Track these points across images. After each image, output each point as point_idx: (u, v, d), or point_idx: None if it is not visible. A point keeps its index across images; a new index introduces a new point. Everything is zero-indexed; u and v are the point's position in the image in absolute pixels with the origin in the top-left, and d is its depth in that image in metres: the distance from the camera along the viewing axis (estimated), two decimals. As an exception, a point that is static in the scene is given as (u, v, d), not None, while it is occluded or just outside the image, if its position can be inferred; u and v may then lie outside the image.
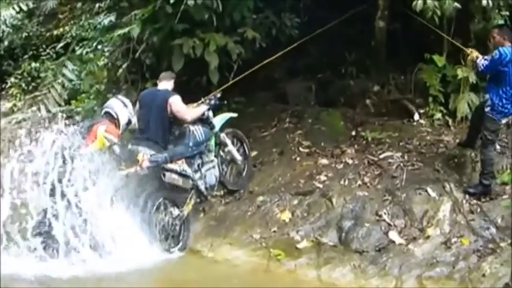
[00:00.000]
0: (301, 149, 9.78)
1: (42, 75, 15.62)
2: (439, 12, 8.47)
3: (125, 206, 7.85)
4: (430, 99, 10.04)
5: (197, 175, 8.47)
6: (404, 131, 9.78)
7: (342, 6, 10.22)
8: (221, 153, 9.06)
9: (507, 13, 9.40)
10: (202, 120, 8.63)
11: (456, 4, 8.53)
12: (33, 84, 15.95)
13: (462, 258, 7.14)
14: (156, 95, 8.61)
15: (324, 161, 9.32)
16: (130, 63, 10.58)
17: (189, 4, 8.70)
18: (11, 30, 16.96)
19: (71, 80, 12.03)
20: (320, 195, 8.54)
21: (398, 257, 7.34)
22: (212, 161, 8.80)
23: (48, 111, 11.59)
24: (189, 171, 8.30)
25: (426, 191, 8.15)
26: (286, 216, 8.34)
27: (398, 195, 8.20)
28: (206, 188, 8.65)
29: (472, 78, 9.41)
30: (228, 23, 9.59)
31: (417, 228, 7.71)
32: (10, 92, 16.30)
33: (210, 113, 8.79)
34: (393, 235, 7.66)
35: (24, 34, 17.13)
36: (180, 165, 8.19)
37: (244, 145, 9.52)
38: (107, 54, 12.39)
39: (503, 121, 8.01)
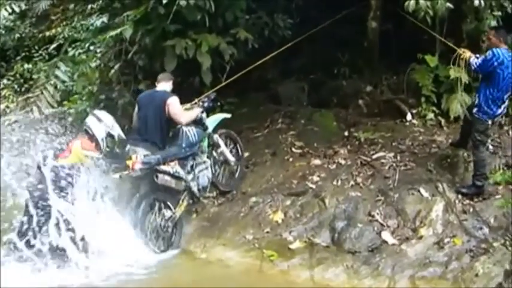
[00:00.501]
0: (293, 149, 9.77)
1: (34, 76, 15.63)
2: (431, 13, 8.48)
3: (117, 208, 7.85)
4: (423, 99, 10.05)
5: (190, 176, 8.44)
6: (397, 132, 9.79)
7: (335, 6, 10.23)
8: (214, 154, 9.05)
9: (499, 13, 9.40)
10: (196, 121, 8.61)
11: (448, 4, 8.55)
12: (26, 85, 15.96)
13: (455, 258, 7.14)
14: (154, 96, 8.61)
15: (317, 162, 9.30)
16: (123, 64, 10.57)
17: (182, 5, 8.70)
18: (3, 32, 16.95)
19: (63, 82, 12.01)
20: (313, 195, 8.53)
21: (391, 257, 7.33)
22: (205, 162, 8.78)
23: (41, 112, 11.57)
24: (181, 172, 8.27)
25: (419, 191, 8.15)
26: (279, 217, 8.33)
27: (391, 195, 8.20)
28: (199, 190, 8.62)
29: (465, 78, 9.39)
30: (220, 24, 9.60)
31: (410, 229, 7.71)
32: (2, 93, 16.26)
33: (204, 114, 8.78)
34: (386, 235, 7.65)
35: (17, 35, 17.12)
36: (173, 167, 8.16)
37: (238, 146, 9.51)
38: (99, 55, 12.39)
39: (489, 122, 8.00)
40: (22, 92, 15.81)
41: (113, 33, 9.70)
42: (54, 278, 6.97)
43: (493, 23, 9.30)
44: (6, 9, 13.30)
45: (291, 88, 11.38)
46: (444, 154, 8.91)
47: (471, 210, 7.82)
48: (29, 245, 7.20)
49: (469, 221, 7.66)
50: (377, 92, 10.82)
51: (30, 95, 12.78)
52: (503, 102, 7.96)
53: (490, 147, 8.73)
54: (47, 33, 16.21)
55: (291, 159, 9.54)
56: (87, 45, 12.97)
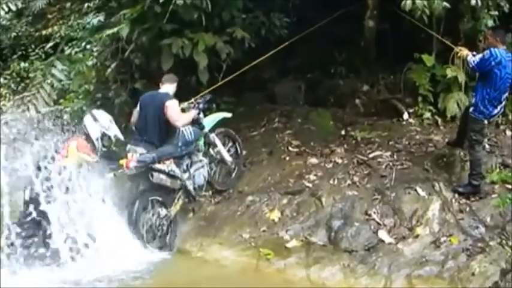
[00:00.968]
0: (290, 148, 9.77)
1: (31, 75, 15.59)
2: (428, 12, 8.46)
3: (112, 207, 7.85)
4: (420, 98, 10.06)
5: (185, 175, 8.45)
6: (393, 131, 9.81)
7: (331, 6, 10.22)
8: (211, 152, 9.04)
9: (496, 12, 9.40)
10: (192, 121, 8.61)
11: (445, 3, 8.53)
12: (22, 84, 15.91)
13: (451, 257, 7.15)
14: (155, 97, 8.61)
15: (314, 161, 9.31)
16: (120, 63, 10.56)
17: (178, 4, 8.66)
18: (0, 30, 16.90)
19: (60, 80, 11.95)
20: (309, 194, 8.54)
21: (387, 256, 7.34)
22: (201, 160, 8.79)
23: (38, 111, 11.54)
24: (177, 171, 8.29)
25: (415, 190, 8.17)
26: (275, 215, 8.34)
27: (387, 194, 8.21)
28: (194, 188, 8.63)
29: (462, 77, 9.44)
30: (217, 23, 9.58)
31: (406, 228, 7.72)
32: (-1, 92, 16.25)
33: (201, 114, 8.79)
34: (382, 234, 7.66)
35: (13, 34, 17.08)
36: (168, 166, 8.18)
37: (237, 145, 9.52)
38: (96, 54, 12.37)
39: (485, 121, 8.00)
40: (19, 90, 15.74)
41: (109, 32, 9.68)
42: (50, 278, 6.97)
43: (490, 23, 9.32)
44: (2, 8, 13.25)
45: (287, 87, 11.38)
46: (441, 153, 8.93)
47: (467, 209, 7.83)
48: (25, 245, 7.21)
49: (465, 220, 7.67)
50: (374, 91, 10.82)
51: (26, 93, 12.72)
52: (500, 102, 7.97)
53: (487, 146, 8.73)
54: (44, 32, 16.18)
55: (287, 158, 9.54)
56: (83, 44, 12.95)
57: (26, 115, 12.26)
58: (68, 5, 13.67)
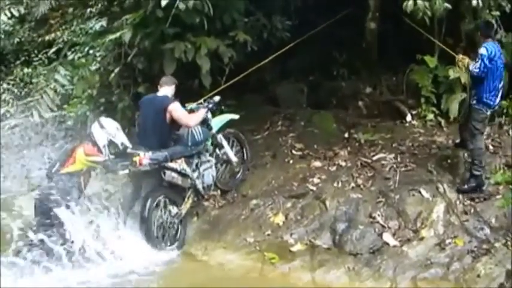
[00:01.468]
0: (293, 151, 9.77)
1: (34, 80, 15.59)
2: (429, 13, 8.46)
3: (124, 205, 8.08)
4: (422, 100, 10.06)
5: (195, 174, 8.52)
6: (396, 133, 9.80)
7: (333, 8, 10.24)
8: (218, 152, 9.07)
9: (497, 13, 9.39)
10: (201, 121, 8.63)
11: (446, 4, 8.53)
12: (26, 89, 15.91)
13: (456, 259, 7.15)
14: (154, 101, 8.59)
15: (317, 164, 9.31)
16: (122, 67, 10.54)
17: (180, 8, 8.67)
18: (2, 36, 16.89)
19: (63, 85, 11.99)
20: (313, 197, 8.53)
21: (392, 258, 7.34)
22: (209, 160, 8.85)
23: (41, 116, 11.58)
24: (188, 170, 8.36)
25: (419, 192, 8.16)
26: (279, 219, 8.34)
27: (391, 196, 8.20)
28: (203, 187, 8.71)
29: (464, 78, 9.43)
30: (219, 27, 9.57)
31: (411, 230, 7.72)
32: (2, 98, 16.23)
33: (209, 114, 8.84)
34: (387, 237, 7.66)
35: (16, 40, 17.06)
36: (180, 164, 8.25)
37: (244, 148, 9.54)
38: (98, 59, 12.35)
39: (488, 113, 8.04)
40: (22, 96, 15.77)
41: (112, 36, 9.71)
42: (56, 278, 7.02)
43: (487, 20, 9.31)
44: (5, 14, 13.29)
45: (289, 90, 11.38)
46: (444, 155, 8.92)
47: (472, 210, 7.83)
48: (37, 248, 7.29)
49: (470, 221, 7.68)
50: (376, 93, 10.84)
51: (30, 99, 12.79)
52: (498, 91, 8.06)
53: (490, 147, 8.77)
54: (46, 37, 16.15)
55: (291, 162, 9.54)
56: (86, 49, 12.93)
57: (30, 120, 12.33)
58: (71, 10, 13.67)
